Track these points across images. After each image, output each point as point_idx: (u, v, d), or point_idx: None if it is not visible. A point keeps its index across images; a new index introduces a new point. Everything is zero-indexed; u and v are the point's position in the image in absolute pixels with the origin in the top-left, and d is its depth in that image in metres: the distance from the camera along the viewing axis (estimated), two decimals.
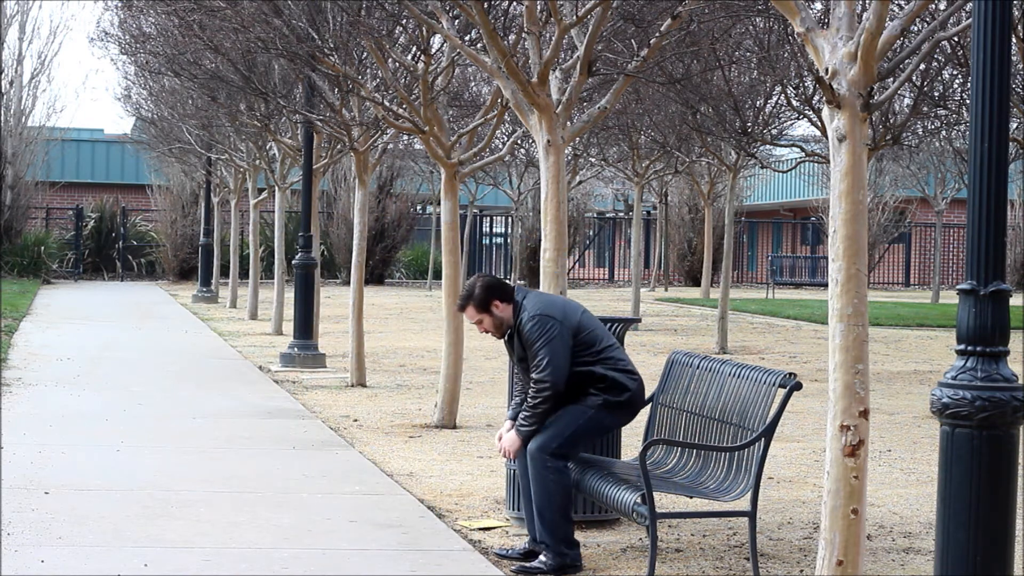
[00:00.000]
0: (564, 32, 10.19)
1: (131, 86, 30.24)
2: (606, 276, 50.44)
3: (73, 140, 48.79)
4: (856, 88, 6.05)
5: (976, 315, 5.40)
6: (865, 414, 6.11)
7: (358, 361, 16.29)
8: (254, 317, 27.27)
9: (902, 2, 11.97)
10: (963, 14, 8.43)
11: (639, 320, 14.33)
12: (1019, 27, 12.98)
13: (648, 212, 49.89)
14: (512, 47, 11.31)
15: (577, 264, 50.89)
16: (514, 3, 11.64)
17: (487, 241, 51.69)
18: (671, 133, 23.60)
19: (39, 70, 42.97)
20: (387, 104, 13.80)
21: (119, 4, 23.32)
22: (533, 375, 7.74)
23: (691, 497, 7.85)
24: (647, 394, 8.17)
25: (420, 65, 13.35)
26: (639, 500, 7.26)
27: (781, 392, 7.35)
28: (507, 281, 8.12)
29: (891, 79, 10.24)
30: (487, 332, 8.00)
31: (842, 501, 6.11)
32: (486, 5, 10.80)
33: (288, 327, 22.10)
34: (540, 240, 10.28)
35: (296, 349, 18.60)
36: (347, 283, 33.45)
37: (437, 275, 40.49)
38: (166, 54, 19.24)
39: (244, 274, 36.86)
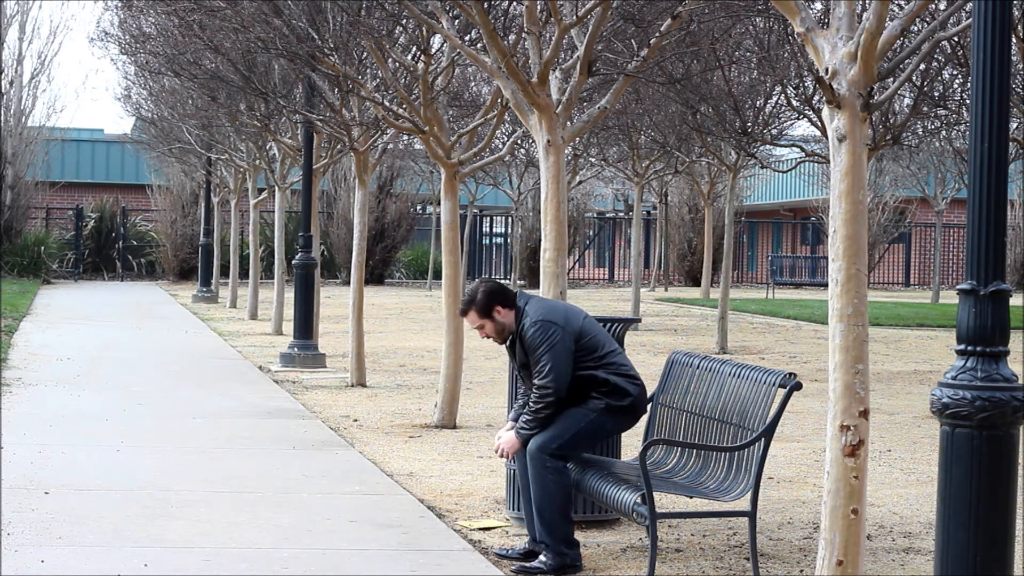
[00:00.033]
0: (564, 32, 10.19)
1: (131, 86, 30.25)
2: (606, 276, 50.44)
3: (73, 140, 48.78)
4: (856, 88, 6.05)
5: (976, 315, 5.40)
6: (865, 414, 6.11)
7: (358, 361, 16.29)
8: (254, 317, 27.27)
9: (902, 2, 11.97)
10: (963, 14, 8.43)
11: (639, 320, 14.33)
12: (1019, 27, 12.98)
13: (648, 212, 49.89)
14: (512, 47, 11.31)
15: (577, 264, 50.88)
16: (514, 3, 11.64)
17: (487, 241, 51.69)
18: (671, 133, 23.60)
19: (39, 70, 43.00)
20: (387, 104, 13.80)
21: (119, 4, 23.32)
22: (535, 381, 7.76)
23: (691, 497, 7.85)
24: (647, 394, 8.17)
25: (420, 65, 13.35)
26: (639, 500, 7.26)
27: (781, 392, 7.35)
28: (509, 287, 8.10)
29: (891, 79, 10.24)
30: (488, 337, 8.01)
31: (842, 501, 6.11)
32: (486, 5, 10.80)
33: (288, 327, 22.10)
34: (540, 240, 10.28)
35: (296, 349, 18.60)
36: (347, 283, 33.46)
37: (437, 275, 40.50)
38: (166, 54, 19.24)
39: (244, 274, 36.86)
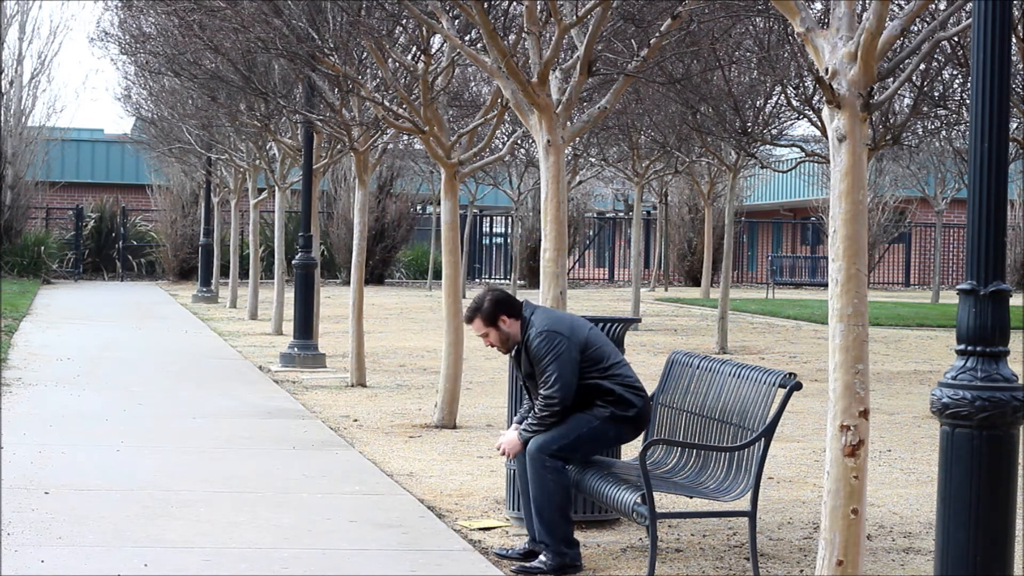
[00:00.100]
0: (564, 32, 10.19)
1: (131, 86, 30.25)
2: (606, 276, 50.44)
3: (73, 140, 48.78)
4: (856, 88, 6.05)
5: (976, 315, 5.40)
6: (865, 414, 6.11)
7: (358, 361, 16.28)
8: (254, 317, 27.27)
9: (902, 2, 11.97)
10: (963, 14, 8.43)
11: (639, 320, 14.33)
12: (1019, 27, 12.98)
13: (648, 212, 49.90)
14: (512, 47, 11.31)
15: (577, 264, 50.88)
16: (514, 3, 11.64)
17: (487, 241, 51.69)
18: (671, 133, 23.60)
19: (39, 70, 43.00)
20: (387, 104, 13.80)
21: (119, 4, 23.32)
22: (541, 391, 7.78)
23: (691, 497, 7.85)
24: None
25: (420, 65, 13.35)
26: (639, 500, 7.26)
27: (781, 392, 7.35)
28: (516, 297, 8.11)
29: (891, 79, 10.24)
30: (492, 346, 8.02)
31: (842, 501, 6.11)
32: (486, 5, 10.80)
33: (288, 327, 22.10)
34: (540, 240, 10.28)
35: (296, 349, 18.60)
36: (347, 283, 33.46)
37: (437, 275, 40.50)
38: (166, 54, 19.24)
39: (244, 274, 36.86)
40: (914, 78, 14.42)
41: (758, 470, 7.29)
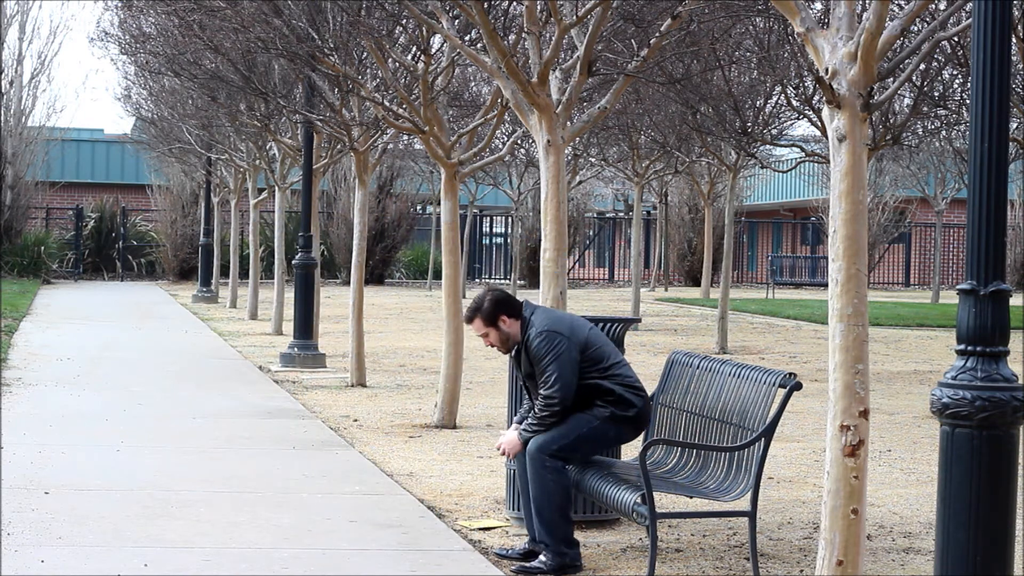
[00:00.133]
0: (564, 32, 10.19)
1: (131, 86, 30.26)
2: (606, 276, 50.44)
3: (73, 140, 48.78)
4: (856, 88, 6.05)
5: (976, 315, 5.40)
6: (865, 414, 6.11)
7: (358, 361, 16.28)
8: (254, 317, 27.27)
9: (902, 2, 11.97)
10: (963, 14, 8.43)
11: (639, 320, 14.33)
12: (1019, 27, 12.98)
13: (648, 212, 49.89)
14: (512, 47, 11.31)
15: (577, 264, 50.89)
16: (514, 3, 11.64)
17: (487, 241, 51.69)
18: (671, 133, 23.60)
19: (39, 70, 43.00)
20: (387, 104, 13.80)
21: (119, 4, 23.32)
22: (541, 391, 7.78)
23: (691, 497, 7.85)
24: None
25: (420, 65, 13.35)
26: (639, 500, 7.26)
27: (781, 392, 7.35)
28: (516, 297, 8.12)
29: (891, 79, 10.24)
30: (492, 346, 8.03)
31: (842, 501, 6.11)
32: (486, 5, 10.80)
33: (288, 327, 22.10)
34: (540, 240, 10.29)
35: (296, 349, 18.60)
36: (347, 283, 33.46)
37: (437, 275, 40.50)
38: (166, 54, 19.24)
39: (244, 274, 36.86)
40: (914, 78, 14.42)
41: (758, 470, 7.29)
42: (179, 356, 19.53)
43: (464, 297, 21.59)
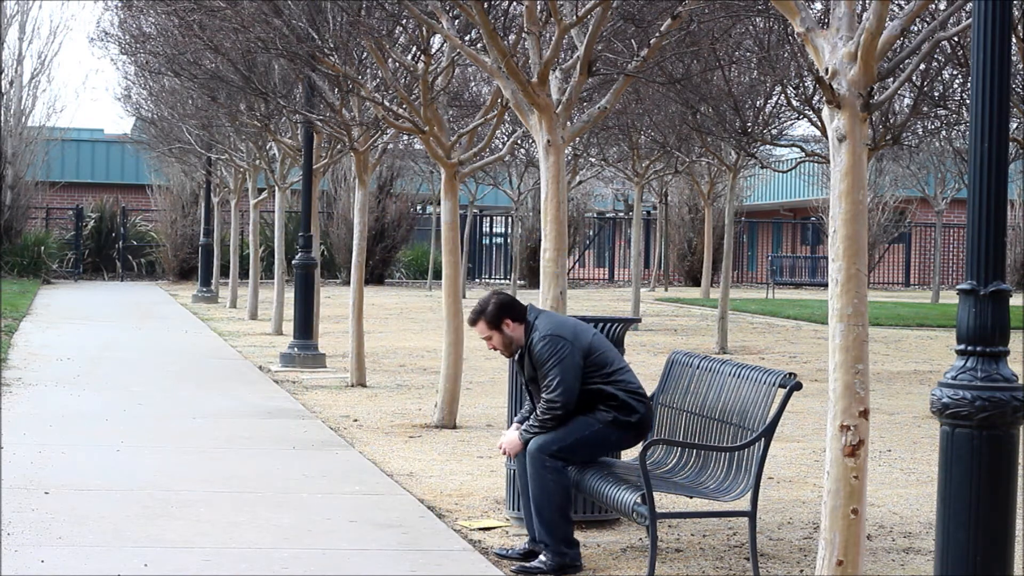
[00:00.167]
0: (564, 32, 10.19)
1: (131, 86, 30.26)
2: (606, 276, 50.44)
3: (73, 140, 48.78)
4: (856, 88, 6.05)
5: (976, 315, 5.40)
6: (865, 414, 6.11)
7: (358, 361, 16.29)
8: (254, 317, 27.27)
9: (902, 2, 11.97)
10: (963, 14, 8.43)
11: (639, 320, 14.33)
12: (1019, 27, 12.98)
13: (648, 212, 49.90)
14: (512, 47, 11.31)
15: (577, 264, 50.88)
16: (514, 3, 11.64)
17: (487, 241, 51.69)
18: (671, 133, 23.60)
19: (39, 70, 43.00)
20: (387, 104, 13.80)
21: (119, 4, 23.32)
22: (543, 395, 7.79)
23: (691, 497, 7.85)
24: (647, 393, 8.18)
25: (420, 65, 13.35)
26: (639, 500, 7.26)
27: (781, 392, 7.35)
28: (520, 301, 8.12)
29: (891, 79, 10.24)
30: (495, 349, 8.04)
31: (842, 501, 6.11)
32: (486, 5, 10.80)
33: (288, 327, 22.10)
34: (540, 240, 10.29)
35: (296, 349, 18.60)
36: (347, 283, 33.46)
37: (437, 275, 40.50)
38: (166, 54, 19.24)
39: (244, 274, 36.86)
40: (914, 78, 14.42)
41: (758, 470, 7.29)
42: (179, 356, 19.53)
43: (464, 297, 21.59)
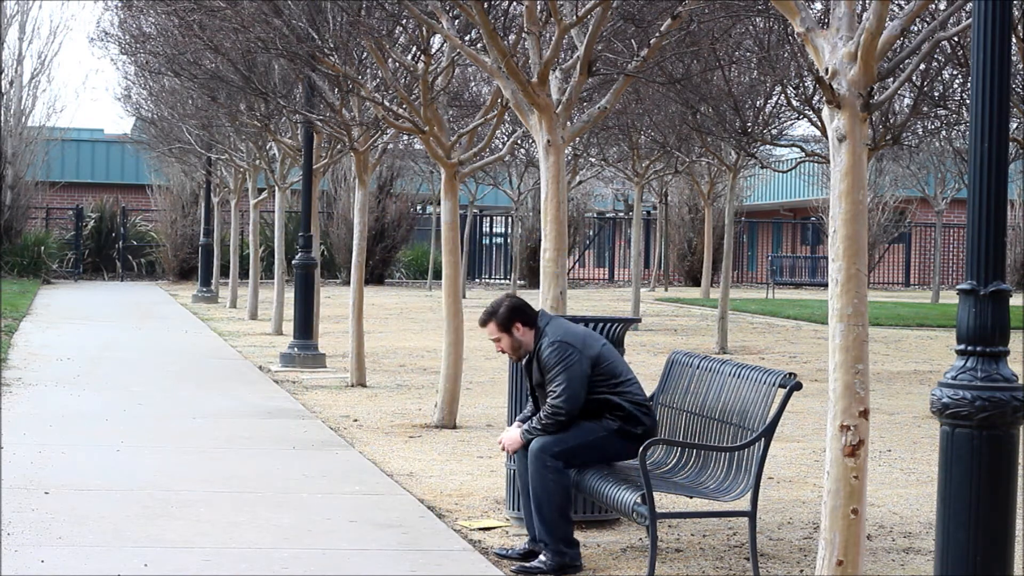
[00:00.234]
0: (564, 32, 10.19)
1: (131, 86, 30.26)
2: (606, 276, 50.44)
3: (73, 140, 48.79)
4: (856, 88, 6.05)
5: (976, 315, 5.40)
6: (865, 414, 6.11)
7: (358, 361, 16.28)
8: (254, 317, 27.27)
9: (902, 2, 11.97)
10: (963, 14, 8.43)
11: (639, 320, 14.33)
12: (1019, 27, 12.98)
13: (648, 212, 49.90)
14: (512, 47, 11.31)
15: (577, 264, 50.89)
16: (514, 3, 11.64)
17: (487, 241, 51.69)
18: (671, 133, 23.60)
19: (39, 70, 43.00)
20: (387, 104, 13.80)
21: (119, 4, 23.33)
22: (549, 400, 7.80)
23: (691, 497, 7.85)
24: (647, 393, 8.18)
25: (420, 65, 13.35)
26: (639, 500, 7.26)
27: (781, 392, 7.35)
28: (532, 307, 8.12)
29: (891, 79, 10.24)
30: (503, 352, 8.04)
31: (842, 501, 6.11)
32: (486, 5, 10.80)
33: (288, 327, 22.10)
34: (540, 240, 10.29)
35: (296, 349, 18.60)
36: (347, 283, 33.46)
37: (437, 275, 40.50)
38: (166, 54, 19.24)
39: (244, 274, 36.86)
40: (914, 78, 14.42)
41: (758, 470, 7.29)
42: (179, 356, 19.53)
43: (464, 297, 21.60)
